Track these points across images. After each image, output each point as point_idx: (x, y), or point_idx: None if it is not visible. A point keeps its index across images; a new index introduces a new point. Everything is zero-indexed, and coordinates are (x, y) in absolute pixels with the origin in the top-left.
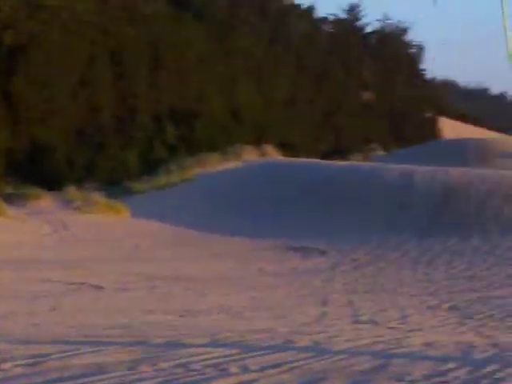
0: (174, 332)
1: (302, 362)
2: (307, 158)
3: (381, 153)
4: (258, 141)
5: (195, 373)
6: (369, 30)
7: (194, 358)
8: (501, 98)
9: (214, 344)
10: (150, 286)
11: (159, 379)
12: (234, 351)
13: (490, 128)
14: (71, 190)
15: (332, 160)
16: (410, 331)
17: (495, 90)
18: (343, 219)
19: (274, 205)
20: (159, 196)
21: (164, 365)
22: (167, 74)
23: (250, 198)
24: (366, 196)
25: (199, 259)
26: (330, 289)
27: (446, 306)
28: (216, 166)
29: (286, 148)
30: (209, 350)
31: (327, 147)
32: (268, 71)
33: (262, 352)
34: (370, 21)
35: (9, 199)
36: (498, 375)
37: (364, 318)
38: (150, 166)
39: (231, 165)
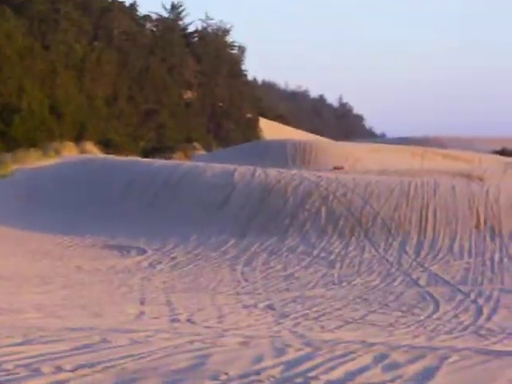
0: None
1: (117, 362)
2: (128, 155)
3: (202, 152)
4: (78, 138)
5: (5, 373)
6: (191, 29)
7: (6, 358)
8: (320, 100)
9: (27, 343)
10: None
11: None
12: (47, 350)
13: (309, 130)
14: None
15: (153, 158)
16: (227, 330)
17: (314, 92)
18: (163, 218)
19: (94, 202)
20: None
21: None
22: None
23: (69, 196)
24: (187, 195)
25: (14, 256)
26: (148, 288)
27: (263, 305)
28: (35, 162)
29: (107, 145)
30: (21, 349)
31: (148, 145)
32: (89, 67)
33: (77, 351)
34: (193, 20)
35: None
36: (311, 374)
37: (181, 317)
38: None
39: (51, 161)
